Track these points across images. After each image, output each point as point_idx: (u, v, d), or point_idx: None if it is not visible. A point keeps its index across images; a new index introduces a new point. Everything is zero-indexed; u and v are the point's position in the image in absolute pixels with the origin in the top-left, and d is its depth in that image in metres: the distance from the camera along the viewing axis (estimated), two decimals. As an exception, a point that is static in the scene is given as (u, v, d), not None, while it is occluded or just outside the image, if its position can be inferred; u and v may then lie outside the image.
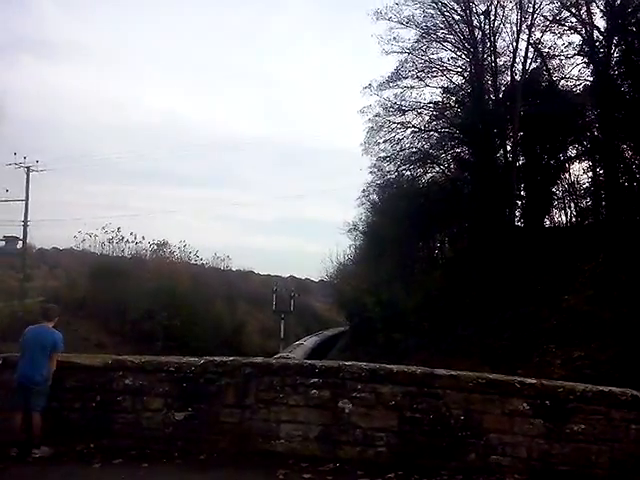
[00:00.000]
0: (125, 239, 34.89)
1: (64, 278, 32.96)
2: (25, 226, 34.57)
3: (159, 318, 28.64)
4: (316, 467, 6.14)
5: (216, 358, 7.02)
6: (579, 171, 30.98)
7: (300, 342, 35.41)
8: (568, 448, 6.10)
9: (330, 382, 6.56)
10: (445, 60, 32.36)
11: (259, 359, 7.21)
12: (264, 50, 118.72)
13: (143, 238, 35.96)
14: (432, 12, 31.18)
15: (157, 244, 37.22)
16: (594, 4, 28.37)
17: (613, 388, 6.42)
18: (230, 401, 6.69)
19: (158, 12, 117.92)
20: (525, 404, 6.24)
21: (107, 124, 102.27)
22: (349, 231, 48.02)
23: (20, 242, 36.46)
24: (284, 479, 5.90)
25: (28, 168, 34.45)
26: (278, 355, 29.67)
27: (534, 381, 6.46)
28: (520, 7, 30.03)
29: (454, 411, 6.33)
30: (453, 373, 6.60)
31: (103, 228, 34.41)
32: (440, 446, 6.27)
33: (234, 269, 47.91)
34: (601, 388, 6.41)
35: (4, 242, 39.14)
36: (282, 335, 33.54)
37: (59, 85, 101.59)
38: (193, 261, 39.40)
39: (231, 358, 7.04)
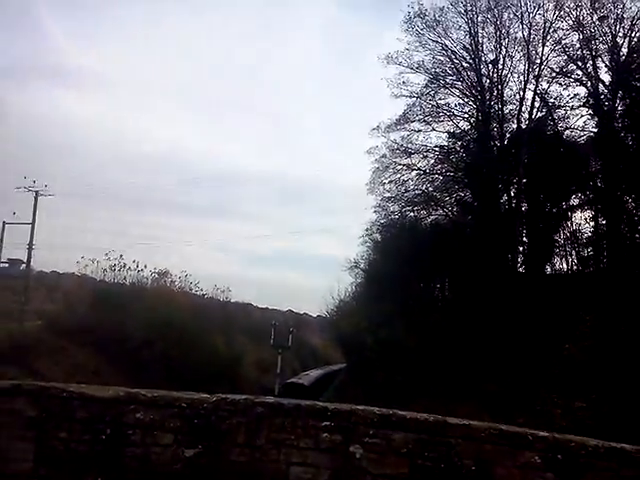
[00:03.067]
0: (127, 267, 34.85)
1: (62, 302, 32.81)
2: (30, 249, 34.65)
3: (156, 348, 28.45)
4: (326, 512, 6.11)
5: (229, 396, 7.00)
6: (581, 220, 31.38)
7: (307, 373, 36.99)
8: (579, 504, 6.08)
9: (342, 426, 6.53)
10: (452, 105, 33.15)
11: (270, 399, 7.20)
12: (273, 86, 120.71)
13: (145, 266, 35.95)
14: (441, 59, 32.13)
15: (158, 273, 37.17)
16: (600, 59, 29.29)
17: (625, 445, 6.42)
18: (241, 440, 6.65)
19: (166, 44, 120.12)
20: (537, 457, 6.20)
21: (112, 152, 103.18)
22: (350, 268, 48.07)
23: (23, 265, 36.46)
24: (293, 523, 5.86)
25: (37, 192, 34.73)
26: (289, 381, 30.82)
27: (546, 434, 6.43)
28: (528, 58, 30.90)
29: (465, 461, 6.29)
30: (465, 422, 6.58)
31: (106, 255, 34.43)
32: (451, 496, 6.24)
33: (233, 301, 47.77)
34: (613, 444, 6.40)
35: (7, 264, 39.07)
36: (279, 370, 33.29)
37: (69, 111, 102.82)
38: (194, 291, 39.28)
39: (244, 397, 7.02)
